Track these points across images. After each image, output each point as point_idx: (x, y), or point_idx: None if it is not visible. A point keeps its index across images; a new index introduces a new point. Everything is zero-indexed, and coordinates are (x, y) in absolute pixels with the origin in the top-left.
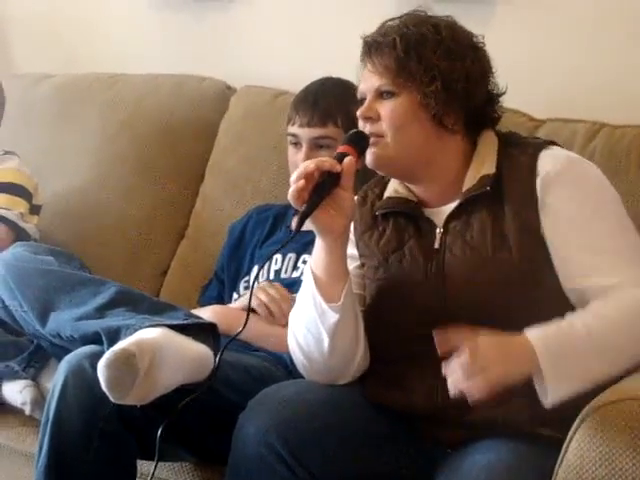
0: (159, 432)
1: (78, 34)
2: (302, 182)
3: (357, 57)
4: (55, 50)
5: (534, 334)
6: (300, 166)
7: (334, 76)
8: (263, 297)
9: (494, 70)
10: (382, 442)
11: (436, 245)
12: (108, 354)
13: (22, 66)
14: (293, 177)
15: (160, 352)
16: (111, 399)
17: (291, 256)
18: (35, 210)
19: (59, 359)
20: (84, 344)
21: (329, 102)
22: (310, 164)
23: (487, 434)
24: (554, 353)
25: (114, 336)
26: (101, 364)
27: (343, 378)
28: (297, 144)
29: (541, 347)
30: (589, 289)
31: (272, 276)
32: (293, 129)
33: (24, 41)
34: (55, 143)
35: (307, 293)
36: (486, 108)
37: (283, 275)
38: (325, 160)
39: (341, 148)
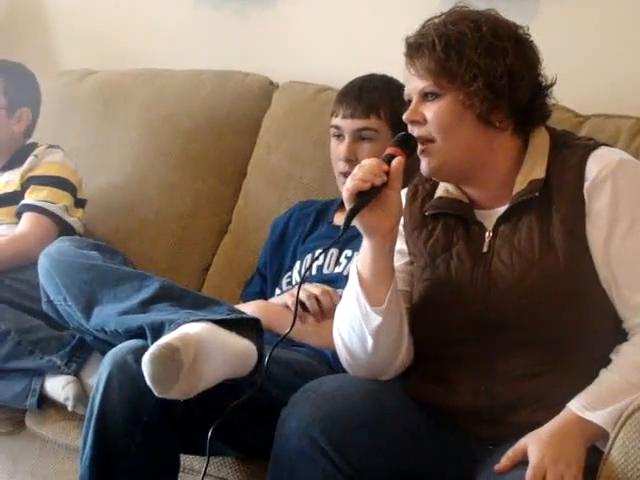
0: (210, 432)
1: (122, 31)
2: (368, 185)
3: (401, 55)
4: (99, 47)
5: (576, 405)
6: (364, 166)
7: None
8: (301, 295)
9: (542, 62)
10: (424, 438)
11: (484, 249)
12: (152, 349)
13: (66, 63)
14: (357, 173)
15: (204, 347)
16: (155, 393)
17: (333, 252)
18: (80, 204)
19: (102, 353)
20: (128, 338)
21: (373, 94)
22: (366, 176)
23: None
24: (603, 409)
25: (158, 331)
26: (145, 359)
27: (386, 374)
28: (340, 136)
29: (591, 415)
30: (628, 304)
31: (315, 272)
32: (336, 121)
33: (68, 38)
34: (99, 139)
35: (352, 292)
36: (535, 102)
37: (325, 271)
38: (378, 176)
39: (389, 150)
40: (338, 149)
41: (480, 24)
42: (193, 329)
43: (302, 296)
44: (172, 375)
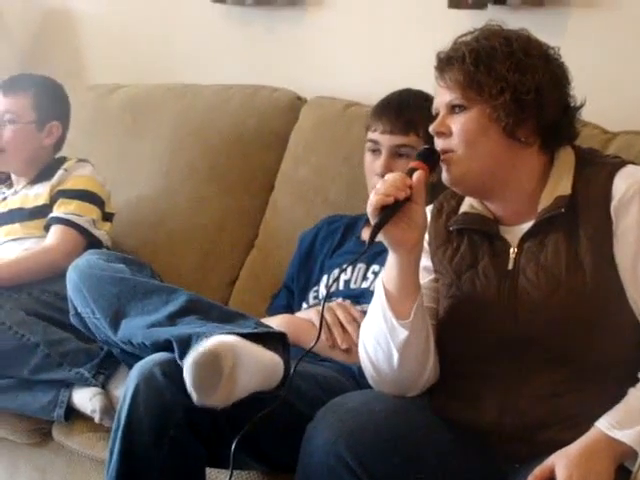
0: (233, 445)
1: (151, 45)
2: (391, 199)
3: (427, 70)
4: (129, 61)
5: (604, 423)
6: (387, 181)
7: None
8: (328, 319)
9: (571, 83)
10: (450, 455)
11: (510, 266)
12: (195, 355)
13: (96, 77)
14: (381, 188)
15: (239, 355)
16: (194, 399)
17: (361, 266)
18: (108, 217)
19: (129, 366)
20: (155, 351)
21: (413, 112)
22: (389, 190)
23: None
24: (631, 428)
25: (185, 344)
26: (188, 365)
27: (412, 390)
28: (376, 151)
29: (619, 434)
30: None
31: (342, 286)
32: (374, 135)
33: (98, 52)
34: (127, 152)
35: (378, 307)
36: (562, 121)
37: (352, 285)
38: (402, 190)
39: (412, 164)
40: (374, 164)
41: (511, 41)
42: (227, 339)
43: (329, 320)
44: (213, 381)
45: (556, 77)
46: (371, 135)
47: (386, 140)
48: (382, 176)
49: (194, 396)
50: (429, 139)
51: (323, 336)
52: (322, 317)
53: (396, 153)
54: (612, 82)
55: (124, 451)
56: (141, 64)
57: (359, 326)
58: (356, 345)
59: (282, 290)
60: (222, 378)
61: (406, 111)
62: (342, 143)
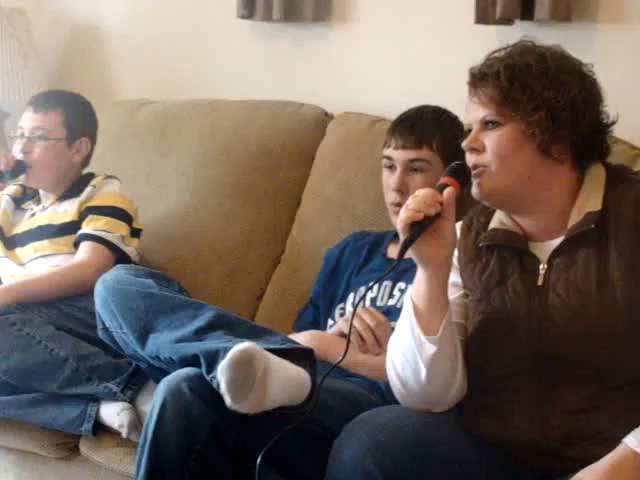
0: (258, 460)
1: (179, 61)
2: (421, 215)
3: (454, 87)
4: (157, 77)
5: (632, 440)
6: (417, 197)
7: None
8: (357, 325)
9: (604, 99)
10: (477, 471)
11: (539, 282)
12: (230, 355)
13: (124, 92)
14: (411, 204)
15: (270, 364)
16: (228, 402)
17: (387, 284)
18: (135, 233)
19: (157, 381)
20: (182, 366)
21: (425, 125)
22: (420, 206)
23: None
24: None
25: (212, 359)
26: (224, 365)
27: (439, 406)
28: (391, 167)
29: None
30: None
31: (368, 303)
32: (388, 151)
33: (126, 68)
34: (155, 168)
35: (406, 322)
36: (594, 138)
37: (379, 303)
38: (432, 206)
39: (443, 179)
40: (389, 180)
41: (545, 57)
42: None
43: (358, 326)
44: (247, 383)
45: (590, 94)
46: (386, 151)
47: (399, 155)
48: (397, 191)
49: (227, 398)
50: (444, 152)
51: (351, 348)
52: (349, 335)
53: (410, 168)
54: (637, 97)
55: (151, 466)
56: (168, 80)
57: (386, 330)
58: (385, 351)
59: (308, 306)
60: (255, 380)
61: (419, 125)
62: (369, 159)
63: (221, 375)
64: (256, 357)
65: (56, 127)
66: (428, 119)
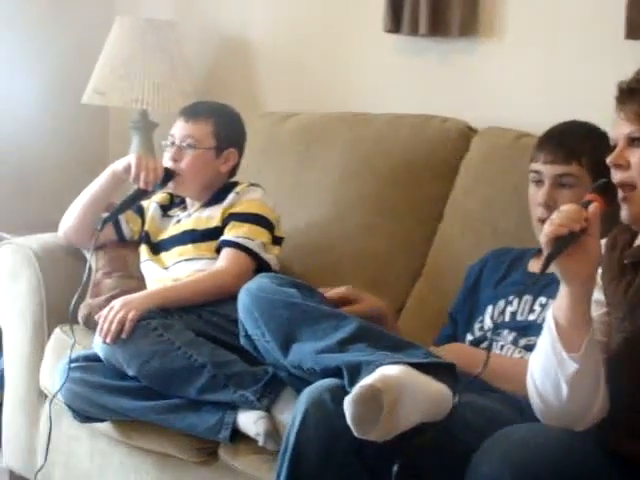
0: (394, 471)
1: (325, 74)
2: (566, 230)
3: (602, 102)
4: (302, 89)
5: None
6: (563, 211)
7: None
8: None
9: None
10: None
11: None
12: (356, 390)
13: (270, 104)
14: (556, 219)
15: (403, 390)
16: (355, 434)
17: (527, 298)
18: (277, 241)
19: (297, 390)
20: (324, 377)
21: (574, 141)
22: (565, 221)
23: None
24: None
25: (355, 371)
26: (348, 400)
27: (579, 424)
28: (539, 182)
29: None
30: None
31: (508, 318)
32: (536, 166)
33: (273, 80)
34: (298, 178)
35: (547, 339)
36: None
37: (519, 317)
38: (577, 222)
39: (588, 196)
40: (537, 194)
41: None
42: (393, 371)
43: None
44: (373, 417)
45: None
46: (533, 165)
47: (548, 170)
48: (545, 206)
49: (354, 430)
50: (593, 169)
51: (495, 361)
52: (489, 347)
53: (558, 183)
54: None
55: (291, 474)
56: (314, 93)
57: None
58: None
59: (448, 321)
60: (382, 414)
61: (568, 140)
62: (513, 174)
63: (346, 408)
64: (384, 391)
65: (205, 137)
66: (578, 134)
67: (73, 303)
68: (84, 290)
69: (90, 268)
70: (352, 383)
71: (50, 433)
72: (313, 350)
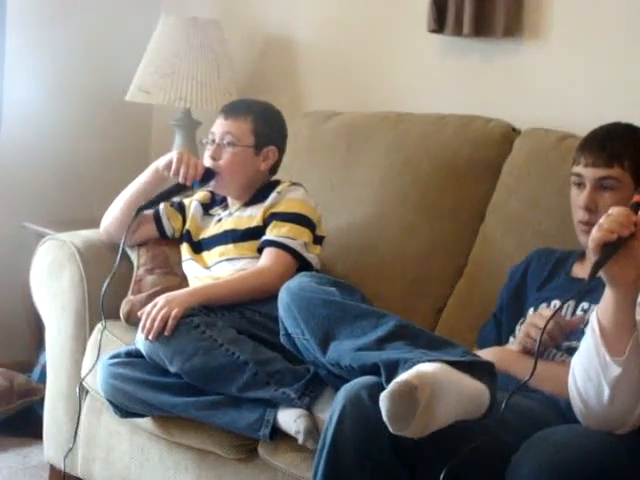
0: (442, 476)
1: (368, 74)
2: (615, 236)
3: None
4: (345, 89)
5: None
6: (611, 216)
7: (624, 122)
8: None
9: None
10: None
11: None
12: (391, 386)
13: (313, 104)
14: (604, 224)
15: (439, 387)
16: (390, 430)
17: (570, 303)
18: (318, 241)
19: (335, 388)
20: (362, 374)
21: (617, 143)
22: (613, 226)
23: None
24: None
25: (392, 369)
26: (384, 395)
27: (621, 428)
28: (580, 184)
29: None
30: None
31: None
32: (578, 169)
33: (316, 79)
34: (340, 178)
35: (591, 341)
36: None
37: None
38: (626, 227)
39: (636, 197)
40: (578, 197)
41: None
42: (429, 368)
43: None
44: (408, 413)
45: None
46: (575, 168)
47: (590, 173)
48: (586, 209)
49: (389, 426)
50: (636, 171)
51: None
52: (537, 351)
53: (600, 186)
54: None
55: (328, 472)
56: (357, 92)
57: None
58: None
59: (491, 321)
60: (417, 410)
61: (610, 143)
62: (556, 175)
63: (382, 403)
64: (419, 387)
65: (245, 134)
66: (620, 137)
67: (104, 290)
68: (120, 282)
69: (121, 259)
70: (389, 380)
71: (78, 423)
72: (351, 348)
